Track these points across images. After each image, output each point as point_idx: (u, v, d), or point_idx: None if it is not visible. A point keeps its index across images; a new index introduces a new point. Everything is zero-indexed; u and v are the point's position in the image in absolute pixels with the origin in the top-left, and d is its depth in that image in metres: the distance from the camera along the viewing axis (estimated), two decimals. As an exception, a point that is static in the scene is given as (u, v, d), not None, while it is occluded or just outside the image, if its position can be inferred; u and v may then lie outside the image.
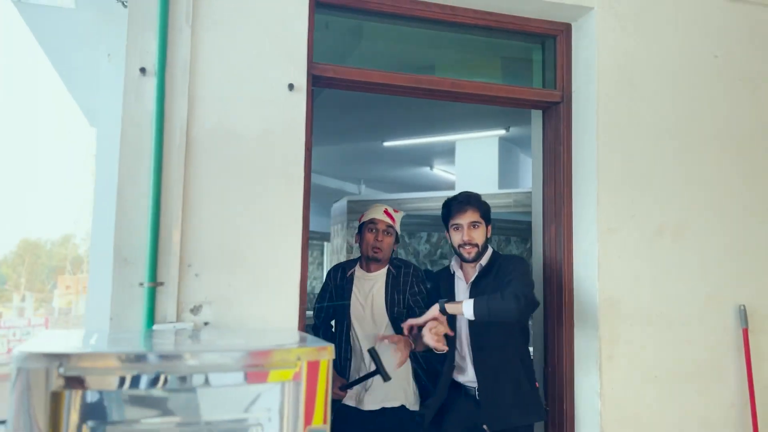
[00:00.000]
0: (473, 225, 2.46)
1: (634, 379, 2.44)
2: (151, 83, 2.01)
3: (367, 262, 2.87)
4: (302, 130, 2.16)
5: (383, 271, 2.85)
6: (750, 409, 2.53)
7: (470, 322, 2.32)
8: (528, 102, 2.66)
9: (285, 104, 2.13)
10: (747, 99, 2.67)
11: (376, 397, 2.68)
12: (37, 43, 5.60)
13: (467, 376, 2.49)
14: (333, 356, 1.51)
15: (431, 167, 7.74)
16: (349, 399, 2.71)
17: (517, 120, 5.53)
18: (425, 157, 7.39)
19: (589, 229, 2.49)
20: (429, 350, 2.39)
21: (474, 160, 6.27)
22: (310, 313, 3.15)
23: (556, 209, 2.63)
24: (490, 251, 2.53)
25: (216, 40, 2.09)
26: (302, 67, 2.17)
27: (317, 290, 3.15)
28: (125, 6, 4.62)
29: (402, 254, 8.06)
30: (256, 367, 1.49)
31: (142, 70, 2.01)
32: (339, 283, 2.90)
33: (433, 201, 6.79)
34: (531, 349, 2.72)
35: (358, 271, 2.89)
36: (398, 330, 2.61)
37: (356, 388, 2.69)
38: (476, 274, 2.48)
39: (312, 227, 2.60)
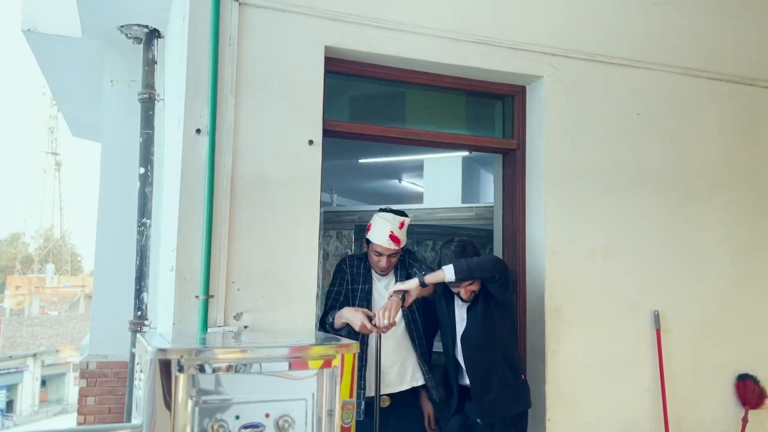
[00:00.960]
0: (472, 292, 2.84)
1: (572, 369, 3.12)
2: (204, 141, 2.59)
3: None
4: (318, 176, 2.76)
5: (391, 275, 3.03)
6: (660, 392, 3.25)
7: (462, 332, 2.80)
8: (491, 148, 3.33)
9: (306, 156, 2.74)
10: (662, 149, 3.38)
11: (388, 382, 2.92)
12: (37, 64, 6.06)
13: (466, 379, 2.89)
14: (358, 350, 2.13)
15: (400, 180, 8.39)
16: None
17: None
18: (395, 171, 8.03)
19: (539, 250, 3.16)
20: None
21: (440, 177, 6.94)
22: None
23: (513, 233, 3.29)
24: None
25: (253, 107, 2.68)
26: (318, 126, 2.78)
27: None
28: (128, 38, 5.14)
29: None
30: (298, 358, 2.10)
31: (198, 131, 2.59)
32: (355, 276, 2.98)
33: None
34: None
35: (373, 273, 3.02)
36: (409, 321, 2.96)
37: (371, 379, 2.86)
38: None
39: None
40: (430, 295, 2.97)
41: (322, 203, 3.24)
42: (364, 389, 2.84)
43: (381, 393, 2.82)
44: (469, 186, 6.98)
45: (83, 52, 5.69)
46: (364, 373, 2.85)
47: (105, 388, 5.26)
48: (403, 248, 2.97)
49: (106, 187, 5.46)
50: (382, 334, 2.74)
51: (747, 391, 3.42)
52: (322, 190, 2.86)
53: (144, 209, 5.11)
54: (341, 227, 6.14)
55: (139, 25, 5.10)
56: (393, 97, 3.18)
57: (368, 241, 2.99)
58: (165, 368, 1.84)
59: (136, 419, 1.99)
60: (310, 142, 2.75)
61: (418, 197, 8.15)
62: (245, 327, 2.60)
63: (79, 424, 5.19)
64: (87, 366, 5.25)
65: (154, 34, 5.19)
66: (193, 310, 2.53)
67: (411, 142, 3.15)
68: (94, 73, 6.20)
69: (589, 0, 3.29)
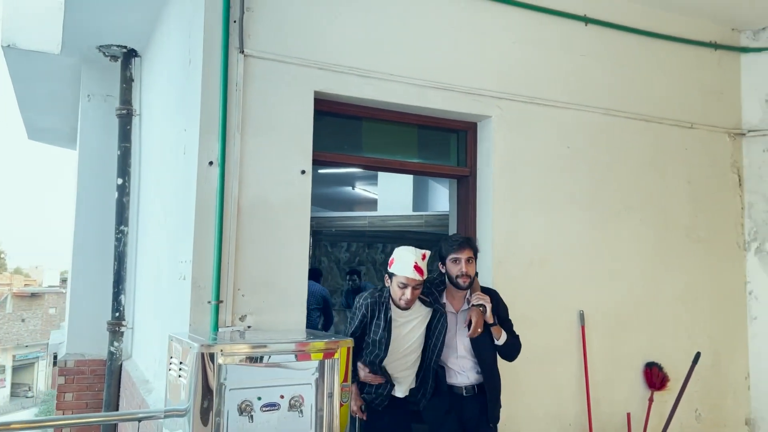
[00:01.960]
0: (469, 260, 3.10)
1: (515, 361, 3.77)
2: (215, 171, 3.08)
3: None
4: (308, 199, 3.30)
5: (416, 304, 3.11)
6: (584, 377, 3.95)
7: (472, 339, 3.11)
8: (448, 174, 3.95)
9: (299, 183, 3.27)
10: (587, 176, 4.08)
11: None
12: (8, 74, 6.32)
13: (459, 380, 3.19)
14: (352, 344, 2.68)
15: (353, 187, 8.97)
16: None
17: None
18: (349, 178, 8.60)
19: (487, 260, 3.79)
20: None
21: (393, 186, 7.55)
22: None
23: (466, 246, 3.91)
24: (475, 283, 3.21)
25: (255, 142, 3.19)
26: (309, 157, 3.31)
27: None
28: (106, 56, 5.55)
29: (325, 261, 9.22)
30: (303, 351, 2.64)
31: (210, 163, 3.08)
32: (376, 319, 3.08)
33: (354, 219, 8.02)
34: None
35: (391, 305, 3.09)
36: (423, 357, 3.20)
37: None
38: (463, 306, 3.18)
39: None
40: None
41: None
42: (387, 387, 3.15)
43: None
44: (420, 195, 7.62)
45: (58, 66, 6.00)
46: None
47: (82, 384, 5.61)
48: (425, 281, 3.08)
49: (83, 195, 5.79)
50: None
51: (653, 376, 4.17)
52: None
53: (121, 217, 5.53)
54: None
55: (118, 46, 5.49)
56: (370, 131, 3.76)
57: (390, 276, 3.07)
58: (209, 360, 2.35)
59: (181, 404, 2.48)
60: (302, 172, 3.28)
61: (370, 203, 8.74)
62: (248, 327, 3.11)
63: (59, 419, 5.49)
64: (65, 364, 5.58)
65: (131, 54, 5.60)
66: (206, 313, 3.03)
67: (384, 169, 3.75)
68: (66, 85, 6.51)
69: (528, 53, 3.95)
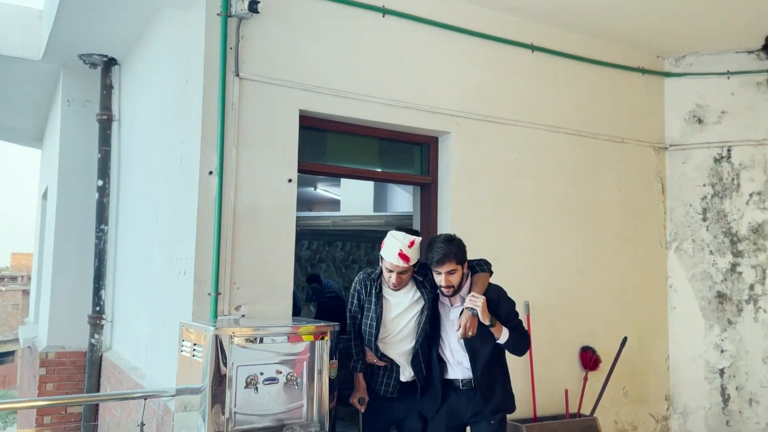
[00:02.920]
0: (450, 272, 3.12)
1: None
2: (214, 180, 3.52)
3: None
4: (294, 204, 3.77)
5: (409, 286, 3.28)
6: (529, 359, 4.55)
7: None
8: (413, 182, 4.49)
9: (286, 190, 3.74)
10: (533, 185, 4.68)
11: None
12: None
13: (456, 374, 3.26)
14: (338, 328, 3.17)
15: (315, 188, 9.41)
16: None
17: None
18: (311, 180, 9.04)
19: (447, 258, 4.34)
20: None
21: (355, 187, 8.05)
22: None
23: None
24: (468, 280, 3.23)
25: (248, 154, 3.64)
26: (294, 167, 3.79)
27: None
28: (86, 63, 5.90)
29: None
30: (296, 333, 3.12)
31: (210, 172, 3.52)
32: (367, 295, 3.27)
33: (318, 219, 8.47)
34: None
35: (384, 284, 3.27)
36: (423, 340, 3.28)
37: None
38: (458, 303, 3.23)
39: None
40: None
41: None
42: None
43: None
44: (380, 196, 8.14)
45: (37, 71, 6.27)
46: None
47: (63, 375, 5.92)
48: (415, 265, 3.22)
49: (63, 195, 6.08)
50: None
51: (587, 358, 4.81)
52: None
53: (102, 217, 5.88)
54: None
55: (99, 55, 5.81)
56: (347, 144, 4.26)
57: (381, 259, 3.25)
58: (223, 342, 2.81)
59: (195, 384, 2.92)
60: (289, 180, 3.76)
61: (332, 204, 9.20)
62: (243, 315, 3.57)
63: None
64: (47, 356, 5.88)
65: (111, 62, 5.93)
66: (205, 303, 3.47)
67: (359, 178, 4.28)
68: (42, 88, 6.76)
69: (483, 76, 4.51)
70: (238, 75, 3.63)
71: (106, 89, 5.95)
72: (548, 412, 4.58)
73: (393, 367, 3.32)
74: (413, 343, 3.30)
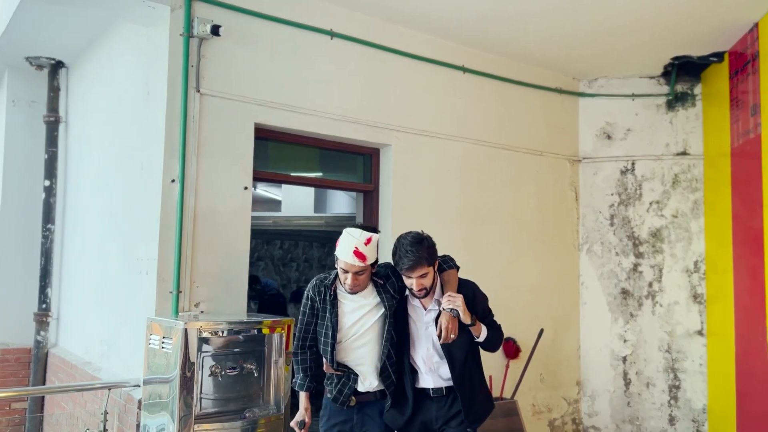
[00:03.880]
0: (422, 276, 2.94)
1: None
2: (176, 187, 3.83)
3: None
4: (249, 210, 4.13)
5: (368, 291, 3.03)
6: (458, 349, 5.06)
7: (439, 339, 2.92)
8: (356, 189, 4.92)
9: (242, 197, 4.09)
10: (462, 192, 5.19)
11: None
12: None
13: (428, 383, 3.05)
14: (293, 322, 3.56)
15: (255, 188, 9.66)
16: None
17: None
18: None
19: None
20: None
21: (296, 190, 8.37)
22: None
23: (369, 247, 4.90)
24: (437, 279, 3.06)
25: (208, 164, 3.97)
26: (250, 176, 4.14)
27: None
28: (32, 65, 6.04)
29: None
30: (257, 327, 3.49)
31: (173, 180, 3.83)
32: (322, 302, 3.02)
33: (260, 219, 8.73)
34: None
35: (339, 288, 3.02)
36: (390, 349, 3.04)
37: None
38: (432, 305, 3.05)
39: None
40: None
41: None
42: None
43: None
44: (320, 197, 8.50)
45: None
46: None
47: (7, 371, 6.01)
48: (373, 265, 2.98)
49: (8, 195, 6.14)
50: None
51: (509, 348, 5.38)
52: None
53: (48, 216, 6.02)
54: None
55: (47, 57, 5.93)
56: (297, 154, 4.65)
57: (335, 259, 2.99)
58: (192, 335, 3.16)
59: (165, 374, 3.25)
60: (245, 188, 4.11)
61: (272, 203, 9.45)
62: (201, 312, 3.90)
63: (-16, 404, 5.86)
64: (-10, 353, 5.95)
65: (59, 65, 6.06)
66: (167, 300, 3.79)
67: (309, 185, 4.70)
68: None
69: (420, 94, 4.99)
70: (198, 91, 3.95)
71: (54, 91, 6.07)
72: (474, 397, 5.12)
73: (350, 375, 3.08)
74: (377, 353, 3.05)
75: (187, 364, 3.15)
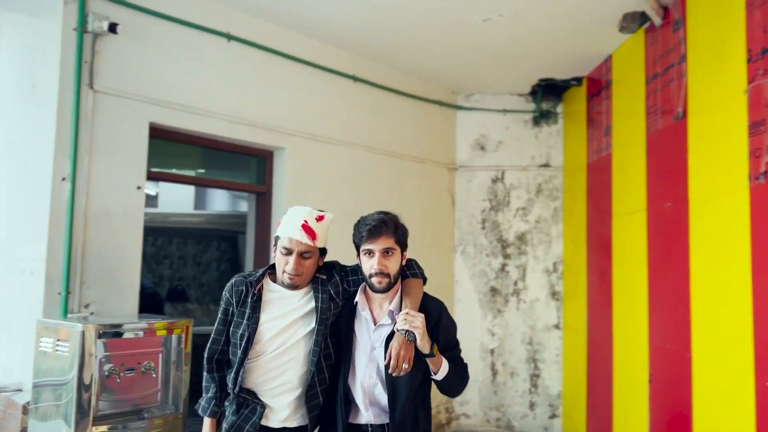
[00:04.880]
0: (387, 252, 2.33)
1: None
2: (67, 186, 3.73)
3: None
4: (142, 209, 4.09)
5: (304, 291, 2.45)
6: (344, 345, 5.31)
7: (386, 368, 2.27)
8: (249, 190, 5.00)
9: (135, 196, 4.05)
10: (352, 196, 5.45)
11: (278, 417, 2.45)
12: None
13: (365, 418, 2.40)
14: (191, 323, 3.61)
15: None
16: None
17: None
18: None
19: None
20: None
21: (175, 186, 8.19)
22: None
23: (262, 249, 5.01)
24: (399, 285, 2.43)
25: (101, 162, 3.89)
26: (143, 176, 4.10)
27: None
28: None
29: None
30: (150, 329, 3.51)
31: (63, 179, 3.72)
32: (241, 306, 2.43)
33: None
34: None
35: (269, 286, 2.45)
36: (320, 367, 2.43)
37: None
38: (384, 319, 2.38)
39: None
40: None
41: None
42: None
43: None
44: (201, 194, 8.38)
45: None
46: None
47: None
48: (321, 253, 2.48)
49: None
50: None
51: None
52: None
53: None
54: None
55: None
56: (192, 154, 4.64)
57: (276, 242, 2.45)
58: (89, 337, 3.12)
59: (59, 377, 3.18)
60: (138, 188, 4.07)
61: (153, 203, 9.14)
62: (91, 313, 3.82)
63: None
64: None
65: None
66: (56, 302, 3.68)
67: (204, 185, 4.66)
68: None
69: (313, 101, 5.17)
70: (92, 88, 3.86)
71: None
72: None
73: (255, 407, 2.43)
74: (304, 377, 2.43)
75: (84, 366, 3.12)
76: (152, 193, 9.25)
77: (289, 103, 4.99)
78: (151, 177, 4.26)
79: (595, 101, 5.69)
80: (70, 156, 3.75)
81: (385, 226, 2.42)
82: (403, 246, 2.49)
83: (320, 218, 2.53)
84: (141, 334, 3.46)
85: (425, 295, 2.52)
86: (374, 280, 2.39)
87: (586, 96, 5.92)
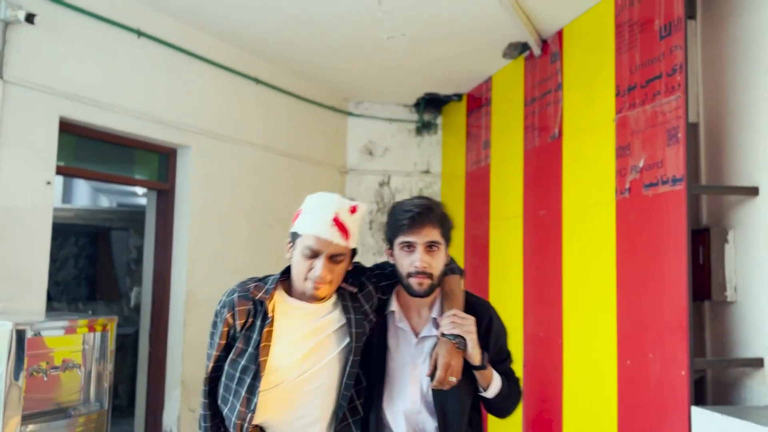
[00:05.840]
0: (430, 246, 1.92)
1: (203, 333, 5.03)
2: (-25, 179, 3.56)
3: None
4: (51, 204, 3.98)
5: (328, 305, 1.96)
6: (243, 341, 5.45)
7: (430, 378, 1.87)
8: (150, 186, 4.98)
9: (44, 192, 3.93)
10: (251, 196, 5.59)
11: None
12: None
13: None
14: (115, 321, 3.62)
15: None
16: None
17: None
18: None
19: (183, 256, 4.96)
20: None
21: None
22: None
23: (164, 244, 5.00)
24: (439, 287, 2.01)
25: (9, 156, 3.74)
26: (53, 171, 3.99)
27: None
28: None
29: None
30: (72, 327, 3.49)
31: (-29, 171, 3.54)
32: (245, 330, 1.89)
33: None
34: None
35: (284, 300, 1.93)
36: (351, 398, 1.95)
37: None
38: (426, 329, 1.99)
39: None
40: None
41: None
42: None
43: None
44: (67, 190, 7.95)
45: None
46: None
47: None
48: (353, 254, 1.96)
49: None
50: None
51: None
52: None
53: None
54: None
55: None
56: (99, 149, 4.54)
57: (293, 238, 1.95)
58: (20, 335, 3.06)
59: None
60: (47, 183, 3.95)
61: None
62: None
63: None
64: None
65: None
66: (-40, 301, 3.50)
67: (109, 181, 4.57)
68: None
69: (217, 100, 5.26)
70: (1, 77, 3.71)
71: None
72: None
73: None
74: (332, 408, 1.93)
75: (9, 365, 3.05)
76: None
77: (195, 101, 5.05)
78: (61, 172, 4.14)
79: (475, 116, 6.33)
80: (-23, 148, 3.59)
81: (431, 214, 1.95)
82: (449, 240, 2.02)
83: (354, 209, 1.96)
84: (62, 332, 3.43)
85: (467, 294, 2.08)
86: (413, 281, 1.92)
87: (465, 111, 6.55)
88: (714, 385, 3.71)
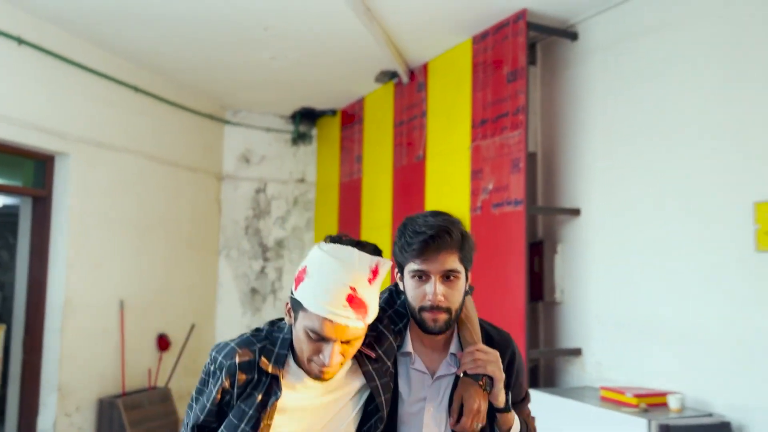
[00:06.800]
0: (447, 276, 1.63)
1: (90, 337, 5.07)
2: None
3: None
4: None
5: (345, 373, 1.63)
6: (121, 347, 5.54)
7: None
8: (27, 194, 4.95)
9: None
10: (134, 202, 5.69)
11: None
12: None
13: None
14: (4, 328, 3.68)
15: None
16: None
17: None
18: None
19: (61, 265, 4.98)
20: None
21: None
22: None
23: (41, 253, 4.99)
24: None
25: None
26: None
27: None
28: None
29: None
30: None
31: None
32: (242, 400, 1.55)
33: None
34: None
35: (289, 367, 1.59)
36: None
37: None
38: (443, 367, 1.72)
39: None
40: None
41: None
42: None
43: None
44: None
45: None
46: None
47: None
48: (381, 318, 1.66)
49: None
50: None
51: (161, 342, 6.06)
52: None
53: None
54: None
55: None
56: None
57: (295, 308, 1.55)
58: None
59: None
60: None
61: None
62: None
63: None
64: None
65: None
66: None
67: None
68: None
69: (99, 108, 5.31)
70: None
71: None
72: (135, 387, 5.67)
73: None
74: None
75: None
76: None
77: (75, 109, 5.08)
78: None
79: (348, 132, 6.83)
80: None
81: (448, 238, 1.62)
82: (469, 265, 1.70)
83: (375, 274, 1.53)
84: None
85: (483, 323, 1.79)
86: (427, 317, 1.63)
87: (339, 125, 7.04)
88: (545, 371, 4.50)
